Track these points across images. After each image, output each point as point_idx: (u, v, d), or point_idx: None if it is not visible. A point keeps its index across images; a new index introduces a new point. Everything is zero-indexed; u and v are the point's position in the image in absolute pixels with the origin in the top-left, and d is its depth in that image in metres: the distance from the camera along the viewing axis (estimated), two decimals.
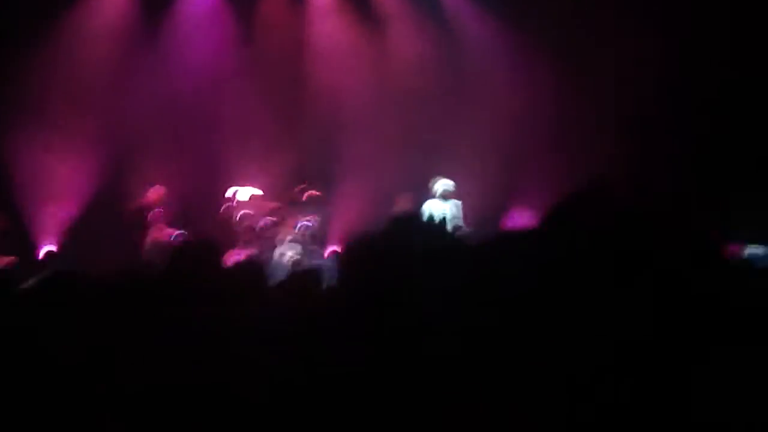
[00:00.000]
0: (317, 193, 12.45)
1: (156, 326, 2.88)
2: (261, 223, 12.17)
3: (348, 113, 12.74)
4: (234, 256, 10.40)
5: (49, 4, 11.83)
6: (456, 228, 10.63)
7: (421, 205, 10.79)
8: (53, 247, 11.77)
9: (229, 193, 12.10)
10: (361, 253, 2.18)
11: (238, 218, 12.12)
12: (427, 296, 2.02)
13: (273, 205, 12.27)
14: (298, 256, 11.81)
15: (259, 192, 12.25)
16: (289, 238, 12.02)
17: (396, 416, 1.94)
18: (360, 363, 1.96)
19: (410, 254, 2.09)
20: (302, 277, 2.96)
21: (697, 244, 1.55)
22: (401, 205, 11.25)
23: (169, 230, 11.16)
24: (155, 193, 11.09)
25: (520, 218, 11.99)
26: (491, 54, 12.88)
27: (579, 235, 1.58)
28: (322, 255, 12.51)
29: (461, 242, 2.16)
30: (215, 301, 3.02)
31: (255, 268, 3.32)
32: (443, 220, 10.19)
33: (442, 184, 10.83)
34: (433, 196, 10.79)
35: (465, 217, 11.21)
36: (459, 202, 10.99)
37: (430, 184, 10.81)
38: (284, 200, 12.37)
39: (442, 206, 10.80)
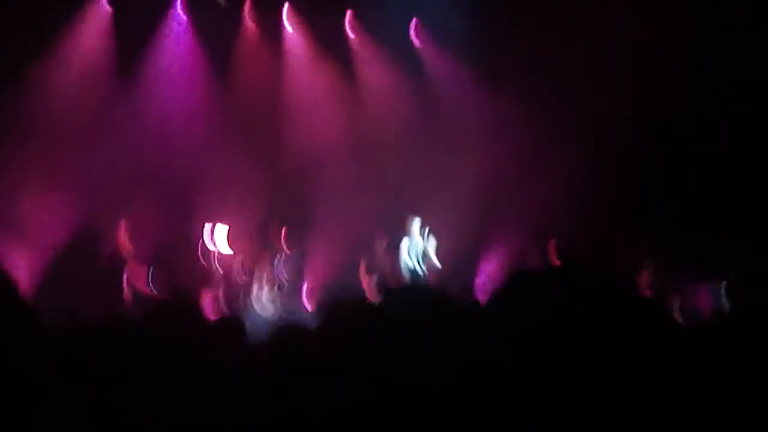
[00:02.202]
0: (290, 239, 12.48)
1: (137, 379, 2.92)
2: (237, 264, 12.18)
3: (323, 156, 12.80)
4: (212, 307, 10.41)
5: (27, 46, 11.79)
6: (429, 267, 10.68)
7: (398, 245, 10.83)
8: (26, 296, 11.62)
9: (206, 236, 12.08)
10: (349, 322, 2.24)
11: (215, 260, 12.12)
12: (415, 364, 2.09)
13: (246, 260, 12.27)
14: (276, 306, 11.85)
15: (229, 250, 12.23)
16: (264, 280, 12.04)
17: None
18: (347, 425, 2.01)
19: (401, 326, 2.15)
20: (288, 336, 3.01)
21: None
22: (379, 247, 11.30)
23: (143, 276, 11.13)
24: (126, 236, 11.04)
25: (488, 271, 12.11)
26: (464, 100, 13.03)
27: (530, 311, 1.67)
28: (298, 303, 12.52)
29: (450, 308, 2.22)
30: (197, 358, 3.07)
31: (235, 325, 3.37)
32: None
33: (417, 224, 10.91)
34: (408, 236, 10.85)
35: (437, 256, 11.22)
36: (432, 240, 11.00)
37: (407, 224, 10.87)
38: (258, 243, 12.38)
39: (417, 245, 10.86)
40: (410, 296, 2.25)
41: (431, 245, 10.71)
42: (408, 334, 2.10)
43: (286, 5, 13.46)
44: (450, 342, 2.10)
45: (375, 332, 2.14)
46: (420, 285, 9.36)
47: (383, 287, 10.61)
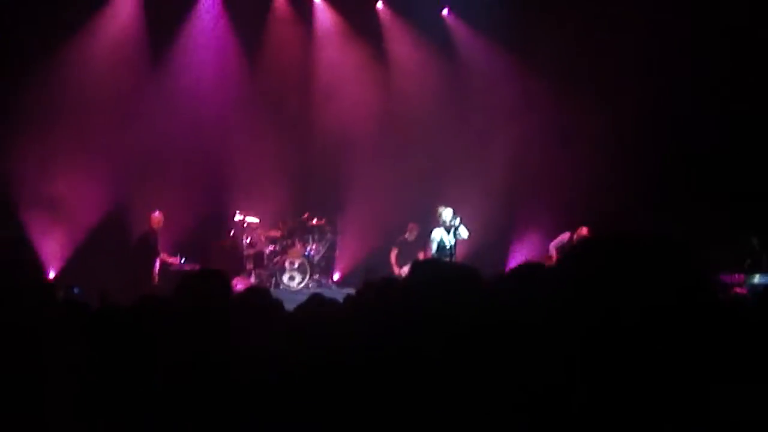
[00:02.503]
0: (321, 221, 12.50)
1: (167, 356, 2.90)
2: (267, 249, 12.21)
3: (353, 142, 12.79)
4: (240, 284, 10.45)
5: (57, 30, 11.85)
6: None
7: (429, 233, 10.76)
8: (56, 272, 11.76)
9: (238, 218, 12.12)
10: (382, 294, 2.20)
11: (244, 246, 12.16)
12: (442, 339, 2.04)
13: (278, 233, 12.32)
14: (307, 284, 11.87)
15: (257, 220, 12.28)
16: (295, 265, 12.07)
17: None
18: (376, 399, 1.97)
19: (428, 298, 2.10)
20: (320, 304, 2.97)
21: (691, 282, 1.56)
22: (410, 234, 11.25)
23: (174, 258, 11.17)
24: (155, 219, 11.08)
25: (522, 255, 12.03)
26: (495, 83, 12.92)
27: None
28: (328, 282, 12.55)
29: (475, 283, 2.16)
30: (226, 330, 3.04)
31: (264, 295, 3.34)
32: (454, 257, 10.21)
33: (448, 213, 10.81)
34: (439, 225, 10.78)
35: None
36: (462, 227, 10.89)
37: (437, 213, 10.80)
38: (289, 228, 12.40)
39: (445, 235, 10.78)
40: (437, 269, 2.20)
41: (464, 234, 10.62)
42: (433, 306, 2.05)
43: None
44: (474, 314, 2.05)
45: (401, 304, 2.09)
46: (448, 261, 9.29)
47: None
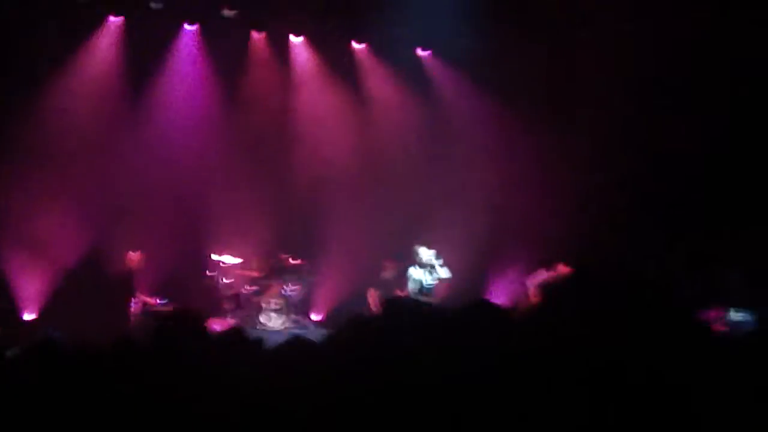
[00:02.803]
0: (299, 261, 12.47)
1: (144, 396, 2.89)
2: (246, 290, 12.16)
3: (331, 182, 12.82)
4: (218, 325, 10.39)
5: (36, 69, 11.85)
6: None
7: (405, 272, 10.79)
8: (34, 315, 11.67)
9: (215, 258, 12.08)
10: (356, 332, 2.22)
11: (222, 286, 12.11)
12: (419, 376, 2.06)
13: (256, 273, 12.27)
14: (285, 324, 11.81)
15: (238, 260, 12.24)
16: (273, 305, 12.02)
17: None
18: None
19: (403, 335, 2.12)
20: (297, 345, 2.98)
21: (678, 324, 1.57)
22: (387, 272, 11.25)
23: (151, 298, 11.11)
24: (135, 259, 11.04)
25: (501, 292, 12.06)
26: (472, 118, 13.03)
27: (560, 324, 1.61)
28: (306, 323, 12.49)
29: (446, 324, 2.19)
30: (203, 371, 3.04)
31: (242, 337, 3.33)
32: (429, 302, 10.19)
33: (425, 252, 10.85)
34: (415, 264, 10.81)
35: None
36: (441, 262, 10.91)
37: (413, 253, 10.84)
38: (266, 269, 12.36)
39: (423, 274, 10.80)
40: (410, 308, 2.22)
41: (444, 275, 10.66)
42: (406, 344, 2.08)
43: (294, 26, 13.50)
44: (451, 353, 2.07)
45: (375, 343, 2.11)
46: (421, 301, 9.30)
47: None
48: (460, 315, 2.26)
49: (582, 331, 1.57)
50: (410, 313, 2.17)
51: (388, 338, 2.14)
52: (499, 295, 12.15)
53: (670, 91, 11.11)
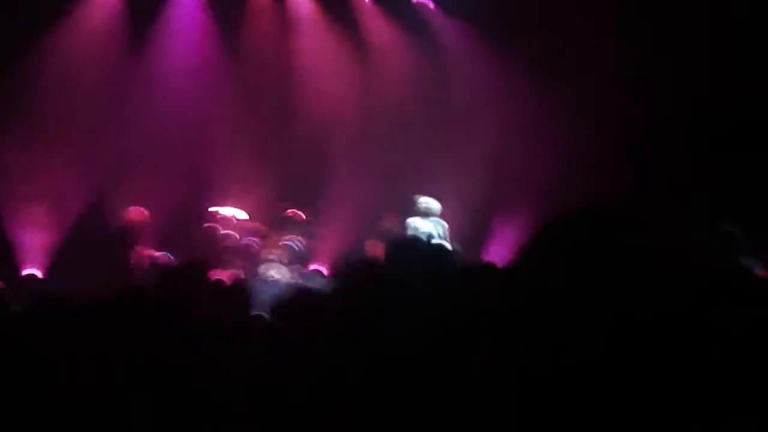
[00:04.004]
0: (300, 213, 12.46)
1: (147, 348, 2.91)
2: (244, 242, 12.17)
3: (333, 132, 12.78)
4: (218, 276, 10.42)
5: (35, 21, 11.78)
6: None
7: (405, 223, 10.83)
8: (37, 270, 11.72)
9: (220, 214, 12.07)
10: (359, 275, 2.21)
11: (221, 238, 12.12)
12: (422, 322, 2.05)
13: (256, 224, 12.28)
14: (290, 275, 11.84)
15: (241, 213, 12.24)
16: (273, 257, 12.03)
17: None
18: (359, 387, 1.98)
19: (409, 279, 2.11)
20: (300, 297, 2.99)
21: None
22: (387, 224, 11.27)
23: (154, 251, 11.12)
24: (136, 213, 11.04)
25: (502, 244, 12.08)
26: (477, 73, 12.96)
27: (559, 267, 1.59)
28: (309, 274, 12.52)
29: (454, 267, 2.17)
30: (205, 323, 3.05)
31: (242, 288, 3.34)
32: (434, 241, 10.21)
33: (425, 202, 10.88)
34: (416, 214, 10.84)
35: (452, 236, 11.20)
36: (444, 223, 11.01)
37: (415, 202, 10.87)
38: (268, 220, 12.37)
39: (424, 224, 10.84)
40: (415, 249, 2.21)
41: (442, 226, 10.71)
42: (408, 291, 2.07)
43: None
44: (453, 301, 2.06)
45: (379, 289, 2.10)
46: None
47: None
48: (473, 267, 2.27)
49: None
50: (416, 256, 2.15)
51: (393, 284, 2.13)
52: (501, 244, 12.19)
53: (683, 62, 11.03)
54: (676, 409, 1.45)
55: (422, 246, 2.67)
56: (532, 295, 1.63)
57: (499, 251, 11.99)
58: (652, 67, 11.18)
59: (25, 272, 11.63)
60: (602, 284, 1.54)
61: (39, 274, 11.64)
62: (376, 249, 10.92)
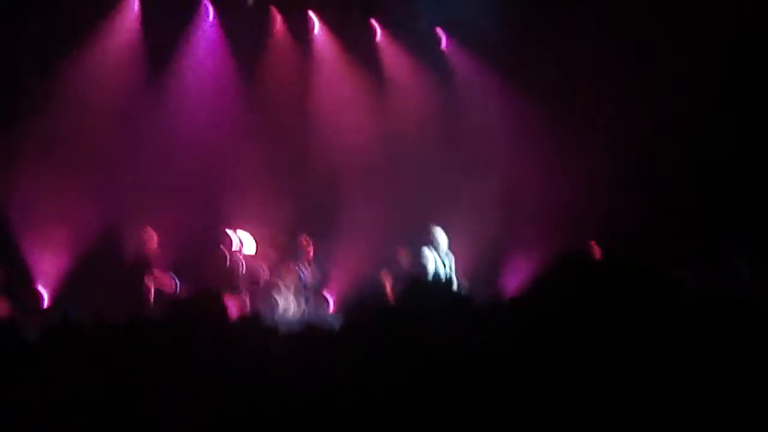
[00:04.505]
0: (311, 241, 12.44)
1: (162, 377, 2.90)
2: (254, 269, 12.14)
3: (348, 164, 12.80)
4: (232, 302, 10.42)
5: (55, 48, 11.88)
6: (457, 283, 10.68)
7: (422, 256, 10.83)
8: (52, 295, 11.75)
9: (232, 239, 12.06)
10: (373, 312, 2.20)
11: (238, 265, 12.10)
12: (435, 356, 2.04)
13: (267, 251, 12.26)
14: (302, 309, 11.81)
15: (251, 240, 12.22)
16: (290, 287, 12.01)
17: None
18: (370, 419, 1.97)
19: (422, 315, 2.11)
20: (314, 332, 2.99)
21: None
22: (401, 260, 11.27)
23: (169, 278, 11.12)
24: (149, 238, 11.05)
25: (516, 276, 12.05)
26: (492, 105, 13.01)
27: (565, 303, 1.60)
28: (323, 308, 12.49)
29: (468, 304, 2.16)
30: (221, 354, 3.05)
31: (261, 321, 3.34)
32: (449, 279, 10.22)
33: (441, 233, 10.93)
34: (434, 247, 10.86)
35: (464, 268, 11.22)
36: (452, 256, 11.07)
37: (432, 235, 10.90)
38: (278, 247, 12.36)
39: (442, 258, 10.86)
40: (429, 290, 2.20)
41: (450, 258, 10.76)
42: (423, 328, 2.06)
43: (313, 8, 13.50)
44: (471, 338, 2.06)
45: (393, 329, 2.10)
46: (441, 282, 9.31)
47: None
48: (488, 308, 2.26)
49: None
50: (431, 298, 2.14)
51: (407, 325, 2.12)
52: (516, 276, 12.16)
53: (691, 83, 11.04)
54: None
55: (437, 284, 2.68)
56: (536, 331, 1.64)
57: (513, 282, 11.97)
58: (669, 96, 11.17)
59: (41, 297, 11.67)
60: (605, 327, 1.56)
61: (50, 298, 11.67)
62: (389, 282, 10.94)
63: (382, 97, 13.47)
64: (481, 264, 11.85)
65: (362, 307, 2.60)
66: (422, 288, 2.22)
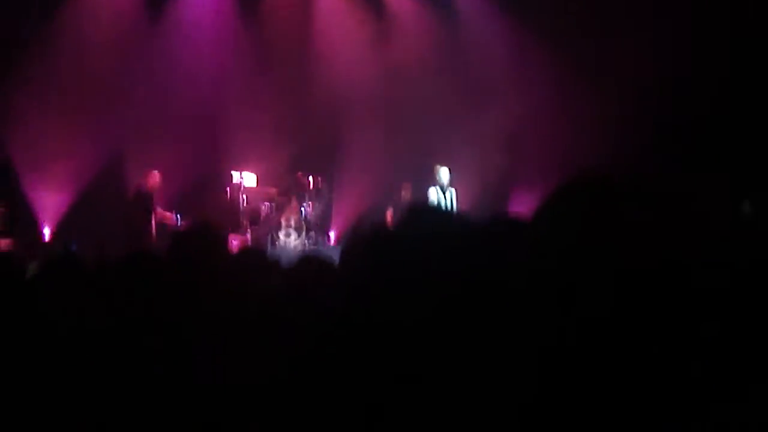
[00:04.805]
0: (314, 179, 12.45)
1: (164, 312, 2.90)
2: (263, 207, 12.18)
3: (350, 101, 12.74)
4: (236, 240, 10.46)
5: None
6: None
7: (425, 193, 10.85)
8: (53, 231, 11.81)
9: (234, 177, 12.06)
10: (377, 241, 2.17)
11: (240, 202, 12.12)
12: (440, 285, 2.01)
13: (269, 189, 12.27)
14: (304, 243, 11.87)
15: (254, 178, 12.23)
16: (291, 223, 12.05)
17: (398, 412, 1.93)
18: (372, 354, 1.96)
19: (427, 244, 2.07)
20: (314, 262, 2.97)
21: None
22: (404, 194, 11.29)
23: (170, 215, 11.14)
24: (152, 178, 11.05)
25: (523, 204, 12.04)
26: (495, 44, 12.90)
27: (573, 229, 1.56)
28: (325, 241, 12.55)
29: (473, 229, 2.12)
30: (222, 286, 3.04)
31: (260, 253, 3.33)
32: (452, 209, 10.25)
33: (445, 173, 10.93)
34: (435, 184, 10.88)
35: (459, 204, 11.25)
36: (453, 190, 11.10)
37: (435, 172, 10.91)
38: (281, 185, 12.37)
39: (443, 194, 10.88)
40: (430, 217, 2.16)
41: (453, 194, 10.79)
42: (422, 260, 2.03)
43: None
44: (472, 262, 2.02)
45: (393, 253, 2.07)
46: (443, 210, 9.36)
47: None
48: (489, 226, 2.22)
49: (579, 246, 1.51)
50: (434, 222, 2.10)
51: (408, 249, 2.08)
52: (521, 210, 12.17)
53: (696, 35, 10.92)
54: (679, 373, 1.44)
55: (442, 212, 2.63)
56: (544, 255, 1.60)
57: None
58: (670, 38, 11.07)
59: (43, 233, 11.74)
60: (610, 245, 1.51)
61: (55, 235, 11.74)
62: (392, 217, 10.96)
63: (384, 32, 13.36)
64: (485, 199, 11.85)
65: (360, 235, 2.59)
66: (422, 214, 2.17)
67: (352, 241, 2.31)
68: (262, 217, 12.19)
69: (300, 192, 12.31)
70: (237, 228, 11.92)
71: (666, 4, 11.23)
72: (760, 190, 9.49)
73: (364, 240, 2.14)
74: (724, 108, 10.79)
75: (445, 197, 10.79)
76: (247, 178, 12.18)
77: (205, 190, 12.33)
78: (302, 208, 12.26)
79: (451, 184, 11.08)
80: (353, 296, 2.19)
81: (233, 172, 12.14)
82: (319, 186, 12.48)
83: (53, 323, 3.03)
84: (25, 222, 11.42)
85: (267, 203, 12.23)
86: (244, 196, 12.16)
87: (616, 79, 11.27)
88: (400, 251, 1.99)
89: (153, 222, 10.86)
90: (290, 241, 11.95)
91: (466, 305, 1.93)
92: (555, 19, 12.05)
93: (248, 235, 11.75)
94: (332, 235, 13.08)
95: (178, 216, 11.06)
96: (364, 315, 2.04)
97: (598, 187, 1.56)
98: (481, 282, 1.89)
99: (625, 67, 11.17)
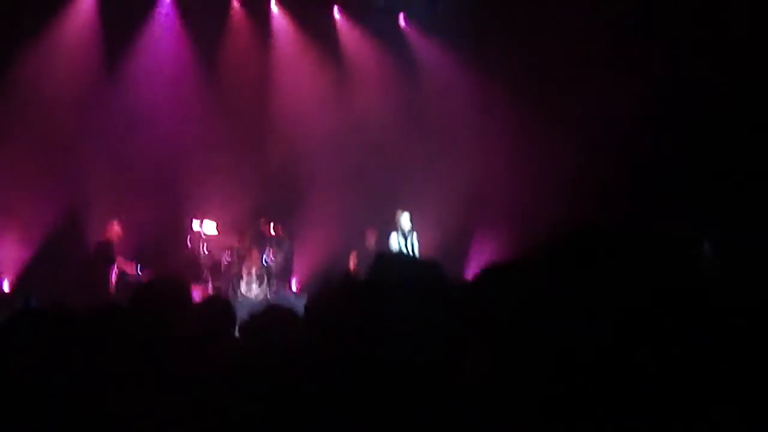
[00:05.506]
0: (279, 228, 12.45)
1: (126, 364, 2.91)
2: (224, 258, 12.13)
3: (310, 149, 12.79)
4: (198, 292, 10.40)
5: (14, 35, 11.76)
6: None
7: (387, 239, 10.90)
8: (13, 284, 11.67)
9: (195, 227, 12.02)
10: (348, 291, 2.19)
11: (201, 253, 12.07)
12: (408, 335, 2.04)
13: (231, 239, 12.24)
14: (265, 293, 11.82)
15: (214, 228, 12.19)
16: (252, 272, 12.01)
17: None
18: (339, 404, 1.98)
19: (393, 293, 2.10)
20: (276, 313, 3.00)
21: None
22: (369, 239, 11.32)
23: (131, 264, 11.07)
24: (112, 227, 10.99)
25: (479, 263, 12.12)
26: (454, 92, 13.05)
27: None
28: (287, 289, 12.52)
29: (442, 280, 2.16)
30: (184, 338, 3.05)
31: (223, 305, 3.35)
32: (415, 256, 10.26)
33: (406, 218, 10.99)
34: (396, 230, 10.93)
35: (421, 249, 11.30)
36: (415, 234, 11.15)
37: (396, 217, 10.96)
38: (247, 236, 12.35)
39: (404, 239, 10.93)
40: (399, 265, 2.19)
41: (415, 241, 10.83)
42: (396, 304, 2.05)
43: None
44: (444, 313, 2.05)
45: (361, 303, 2.09)
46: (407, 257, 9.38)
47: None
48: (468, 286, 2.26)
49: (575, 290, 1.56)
50: (401, 274, 2.11)
51: (376, 302, 2.09)
52: (480, 263, 12.22)
53: (656, 66, 11.10)
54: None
55: (411, 260, 2.67)
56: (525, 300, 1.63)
57: (476, 269, 11.98)
58: (636, 89, 11.23)
59: (2, 287, 11.59)
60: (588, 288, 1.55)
61: (14, 288, 11.60)
62: (355, 261, 10.99)
63: (343, 80, 13.47)
64: (446, 243, 11.91)
65: (326, 283, 2.60)
66: (389, 262, 2.20)
67: (321, 292, 2.33)
68: (223, 267, 12.14)
69: (261, 240, 12.29)
70: (198, 279, 11.87)
71: (623, 50, 11.37)
72: (720, 231, 9.65)
73: (334, 290, 2.16)
74: (684, 151, 10.93)
75: (406, 242, 10.83)
76: (207, 226, 12.13)
77: (166, 239, 12.26)
78: (263, 257, 12.24)
79: (413, 228, 11.14)
80: (326, 346, 2.20)
81: (194, 221, 12.10)
82: (281, 233, 12.48)
83: (16, 377, 3.02)
84: None
85: (228, 252, 12.20)
86: (205, 246, 12.12)
87: (576, 125, 11.41)
88: (372, 302, 2.01)
89: (113, 272, 10.79)
90: (252, 290, 11.91)
91: (447, 355, 1.95)
92: (515, 68, 12.20)
93: (209, 286, 11.69)
94: (294, 282, 13.05)
95: (139, 266, 10.99)
96: (338, 365, 2.05)
97: (595, 238, 1.61)
98: (463, 331, 1.92)
99: (585, 114, 11.31)
